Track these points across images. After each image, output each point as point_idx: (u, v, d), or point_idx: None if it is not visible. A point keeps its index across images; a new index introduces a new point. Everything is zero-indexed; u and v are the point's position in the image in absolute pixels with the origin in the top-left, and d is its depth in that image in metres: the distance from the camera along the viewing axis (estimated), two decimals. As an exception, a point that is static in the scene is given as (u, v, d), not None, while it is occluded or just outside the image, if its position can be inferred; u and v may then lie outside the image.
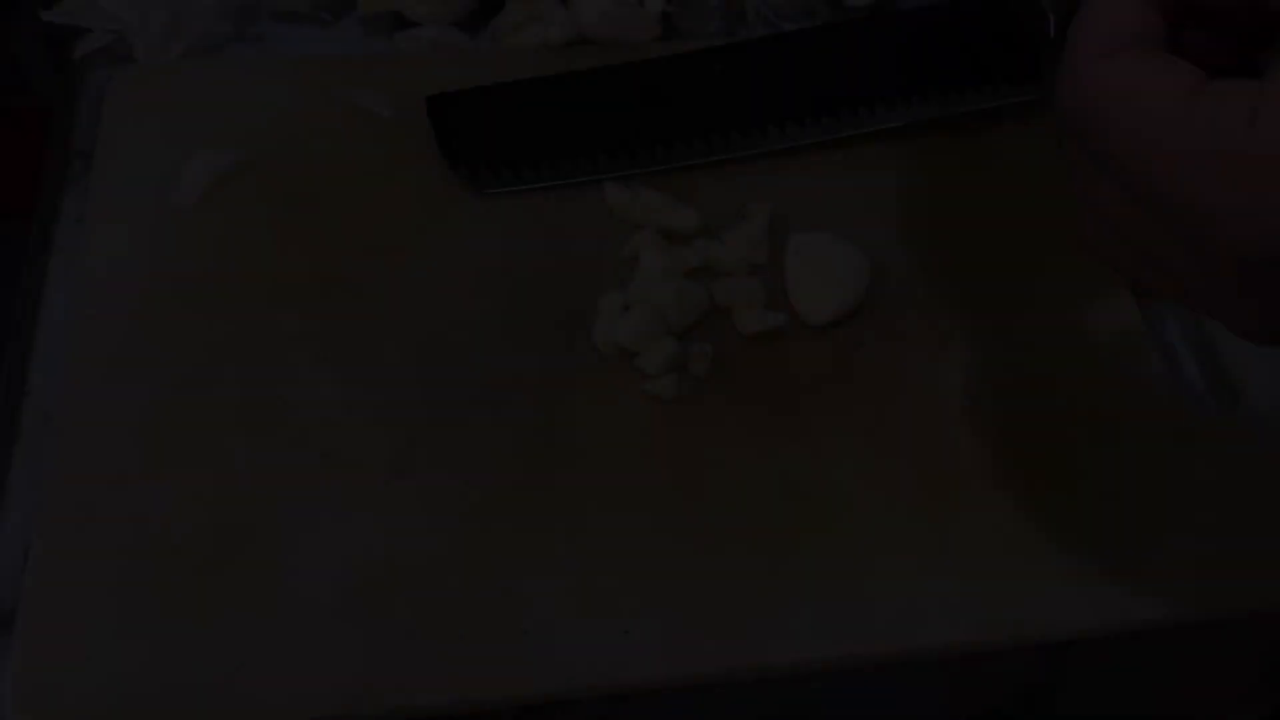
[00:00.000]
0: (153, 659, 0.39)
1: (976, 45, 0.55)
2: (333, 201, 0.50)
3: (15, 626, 0.39)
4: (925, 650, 0.41)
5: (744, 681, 0.41)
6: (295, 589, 0.40)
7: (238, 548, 0.41)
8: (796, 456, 0.45)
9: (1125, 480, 0.45)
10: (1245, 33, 0.32)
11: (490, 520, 0.42)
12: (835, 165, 0.53)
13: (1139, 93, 0.28)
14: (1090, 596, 0.42)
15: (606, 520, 0.43)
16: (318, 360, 0.46)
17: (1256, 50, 0.33)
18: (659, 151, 0.52)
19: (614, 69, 0.55)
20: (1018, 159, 0.54)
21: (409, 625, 0.40)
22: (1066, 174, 0.33)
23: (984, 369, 0.47)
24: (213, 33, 0.56)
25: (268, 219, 0.49)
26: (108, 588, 0.40)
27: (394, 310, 0.47)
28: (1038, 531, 0.43)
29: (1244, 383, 0.49)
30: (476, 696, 0.39)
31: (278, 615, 0.40)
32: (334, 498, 0.42)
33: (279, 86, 0.53)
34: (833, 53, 0.55)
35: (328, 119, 0.53)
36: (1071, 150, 0.32)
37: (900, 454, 0.45)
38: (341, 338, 0.46)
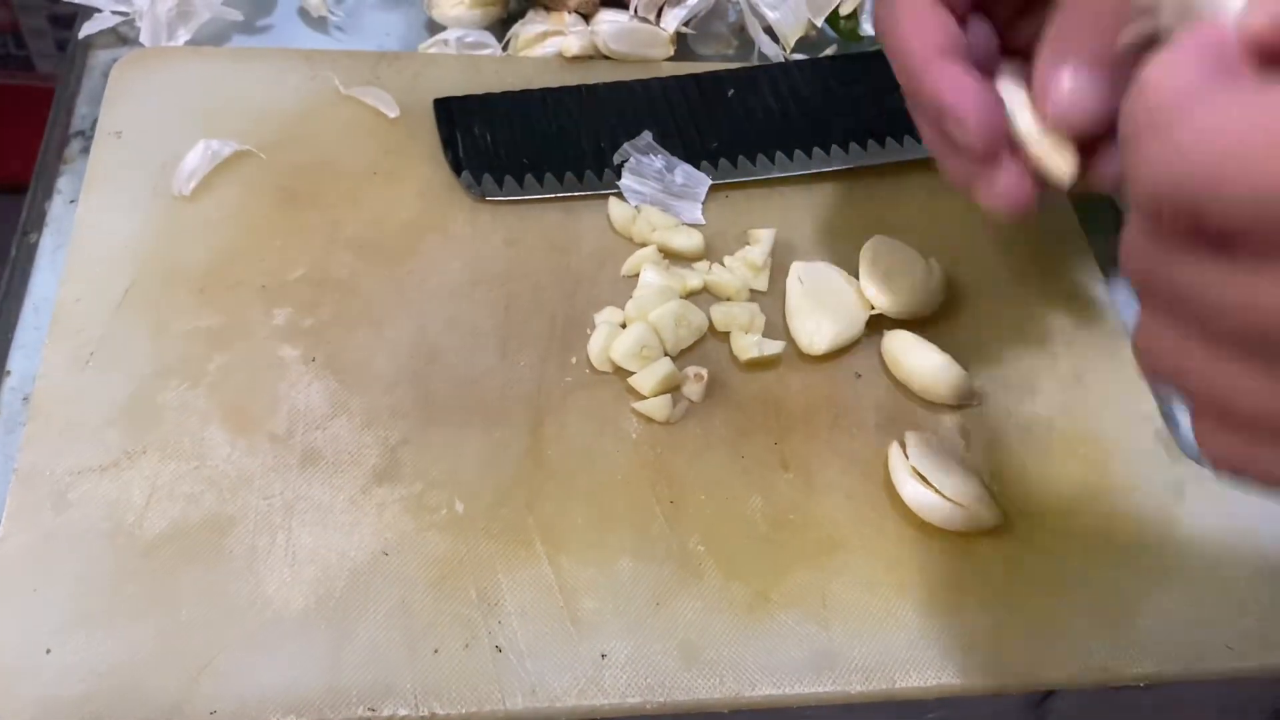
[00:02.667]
0: (114, 655, 0.38)
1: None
2: (332, 198, 0.49)
3: (-23, 611, 0.38)
4: (904, 694, 0.40)
5: (719, 712, 0.40)
6: (267, 591, 0.39)
7: (210, 545, 0.40)
8: (786, 486, 0.44)
9: (1115, 531, 0.44)
10: None
11: (471, 533, 0.41)
12: (842, 195, 0.53)
13: None
14: (1075, 647, 0.41)
15: (589, 539, 0.42)
16: (306, 358, 0.45)
17: None
18: (665, 170, 0.52)
19: (625, 85, 0.54)
20: (1024, 202, 0.54)
21: (380, 635, 0.39)
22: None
23: (980, 411, 0.47)
24: (221, 21, 0.55)
25: (265, 212, 0.49)
26: (73, 579, 0.39)
27: (387, 313, 0.46)
28: (1025, 578, 0.43)
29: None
30: (444, 712, 0.38)
31: (247, 617, 0.39)
32: (313, 500, 0.41)
33: (285, 79, 0.53)
34: (846, 83, 0.55)
35: (332, 115, 0.52)
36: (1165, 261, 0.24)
37: (891, 491, 0.44)
38: (332, 337, 0.45)
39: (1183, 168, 0.22)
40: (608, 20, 0.56)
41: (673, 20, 0.56)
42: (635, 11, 0.56)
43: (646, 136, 0.52)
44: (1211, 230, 0.22)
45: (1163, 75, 0.23)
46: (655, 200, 0.51)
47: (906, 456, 0.44)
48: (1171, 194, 0.22)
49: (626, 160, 0.51)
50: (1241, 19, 0.23)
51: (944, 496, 0.43)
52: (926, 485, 0.43)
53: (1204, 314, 0.23)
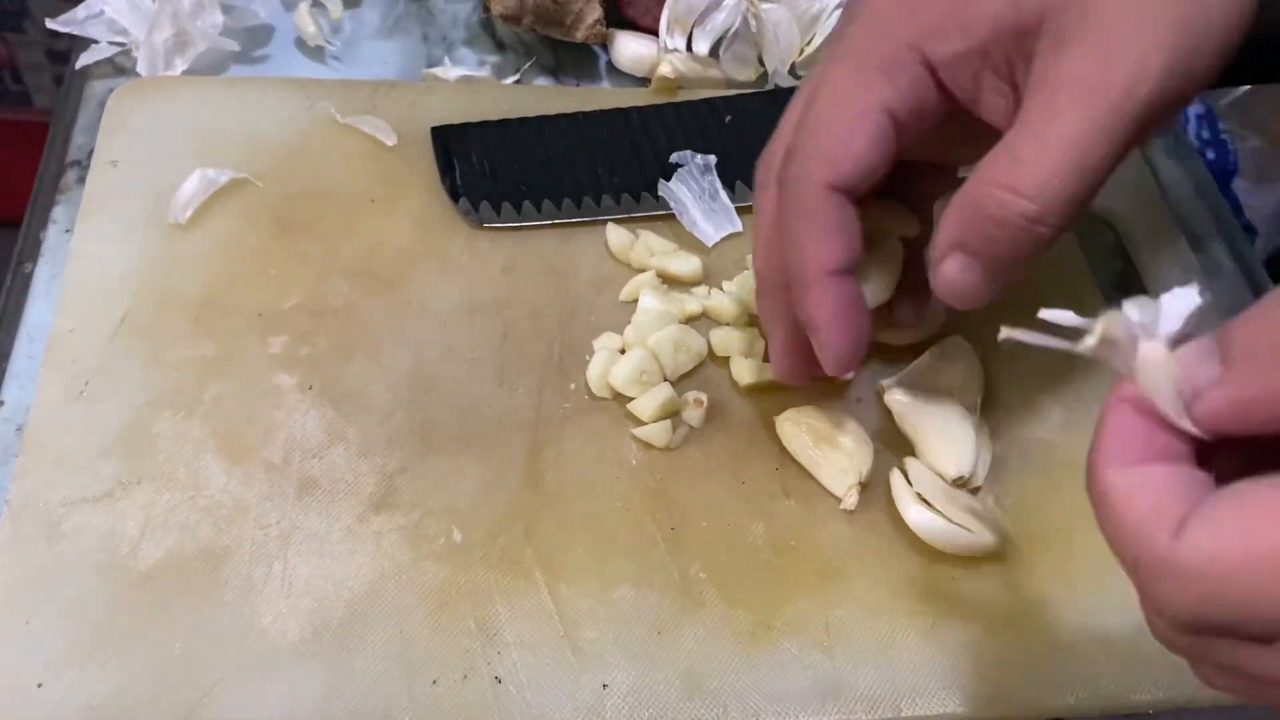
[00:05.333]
0: (106, 689, 0.37)
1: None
2: (328, 227, 0.49)
3: (-32, 645, 0.38)
4: (910, 722, 0.40)
5: (723, 743, 0.39)
6: (263, 622, 0.39)
7: (206, 576, 0.40)
8: (787, 512, 0.44)
9: (1121, 556, 0.44)
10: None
11: (469, 562, 0.41)
12: (840, 221, 0.53)
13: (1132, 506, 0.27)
14: (1081, 674, 0.41)
15: (589, 568, 0.41)
16: (303, 386, 0.44)
17: None
18: (662, 197, 0.52)
19: (621, 112, 0.54)
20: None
21: (378, 666, 0.38)
22: None
23: (983, 437, 0.46)
24: (218, 51, 0.55)
25: (261, 240, 0.48)
26: (65, 611, 0.38)
27: (384, 341, 0.46)
28: (1032, 605, 0.42)
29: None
30: (444, 744, 0.37)
31: (243, 649, 0.38)
32: (310, 530, 0.41)
33: (282, 108, 0.53)
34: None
35: (329, 143, 0.52)
36: None
37: (893, 517, 0.44)
38: (329, 365, 0.45)
39: (1207, 608, 0.25)
40: (625, 45, 0.57)
41: (703, 43, 0.56)
42: (661, 35, 0.56)
43: (711, 160, 0.52)
44: (1254, 635, 0.26)
45: (1132, 505, 0.27)
46: (685, 212, 0.51)
47: (909, 482, 0.43)
48: (1205, 621, 0.26)
49: (682, 164, 0.52)
50: (1197, 409, 0.26)
51: (949, 520, 0.42)
52: (931, 509, 0.42)
53: (1250, 678, 0.27)
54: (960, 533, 0.42)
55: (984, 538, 0.42)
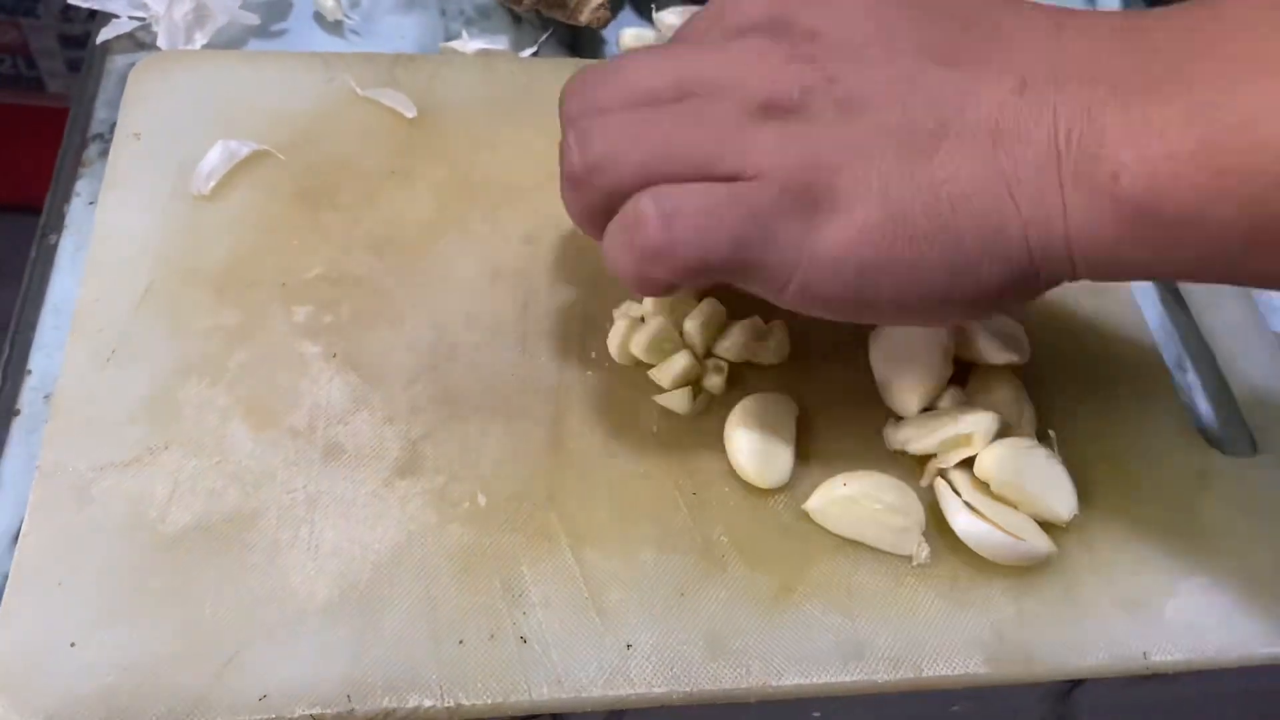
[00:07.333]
0: (138, 648, 0.37)
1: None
2: (350, 197, 0.50)
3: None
4: (931, 683, 0.40)
5: (746, 702, 0.39)
6: (290, 584, 0.39)
7: (233, 540, 0.40)
8: (809, 477, 0.44)
9: (1141, 520, 0.44)
10: None
11: (494, 525, 0.41)
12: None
13: None
14: (1103, 636, 0.41)
15: (612, 531, 0.42)
16: (327, 354, 0.45)
17: None
18: (681, 167, 0.52)
19: (640, 83, 0.54)
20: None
21: (404, 627, 0.39)
22: None
23: (1001, 403, 0.47)
24: (237, 26, 0.56)
25: (283, 211, 0.49)
26: (96, 573, 0.39)
27: (407, 309, 0.46)
28: (1053, 567, 0.43)
29: (1259, 427, 0.48)
30: (469, 702, 0.38)
31: (271, 610, 0.39)
32: (336, 494, 0.41)
33: (302, 81, 0.53)
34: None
35: (349, 116, 0.52)
36: None
37: (915, 483, 0.44)
38: (352, 333, 0.45)
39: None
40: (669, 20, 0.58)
41: None
42: None
43: None
44: None
45: None
46: None
47: (957, 491, 0.42)
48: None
49: None
50: None
51: (999, 528, 0.41)
52: (980, 517, 0.41)
53: None
54: (1013, 542, 0.41)
55: (1038, 545, 0.41)
